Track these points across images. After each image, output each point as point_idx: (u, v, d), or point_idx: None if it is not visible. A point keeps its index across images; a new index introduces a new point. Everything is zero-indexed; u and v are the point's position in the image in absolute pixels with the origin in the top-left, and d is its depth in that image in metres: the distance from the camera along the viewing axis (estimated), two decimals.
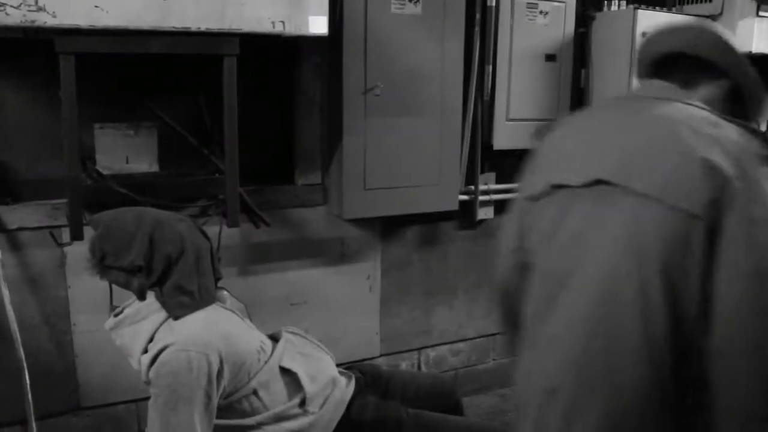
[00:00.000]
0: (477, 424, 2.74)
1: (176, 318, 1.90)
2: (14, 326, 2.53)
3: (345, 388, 2.14)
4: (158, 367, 1.81)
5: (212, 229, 2.89)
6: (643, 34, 3.28)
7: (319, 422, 2.02)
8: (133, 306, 1.94)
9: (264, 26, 2.37)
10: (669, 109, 1.31)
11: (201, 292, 1.96)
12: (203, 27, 2.28)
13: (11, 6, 2.03)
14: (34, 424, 2.59)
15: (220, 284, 2.13)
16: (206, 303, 1.98)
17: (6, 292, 2.53)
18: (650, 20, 3.33)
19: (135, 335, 1.89)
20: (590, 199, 1.31)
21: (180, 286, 1.91)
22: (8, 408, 2.68)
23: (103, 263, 1.90)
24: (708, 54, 1.37)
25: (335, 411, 2.07)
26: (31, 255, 2.67)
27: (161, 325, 1.89)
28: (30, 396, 2.56)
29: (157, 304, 1.91)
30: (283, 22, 2.39)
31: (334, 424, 2.05)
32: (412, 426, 2.07)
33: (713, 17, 3.48)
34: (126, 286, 1.92)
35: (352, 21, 2.84)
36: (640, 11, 3.30)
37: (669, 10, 3.53)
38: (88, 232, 2.14)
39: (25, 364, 2.55)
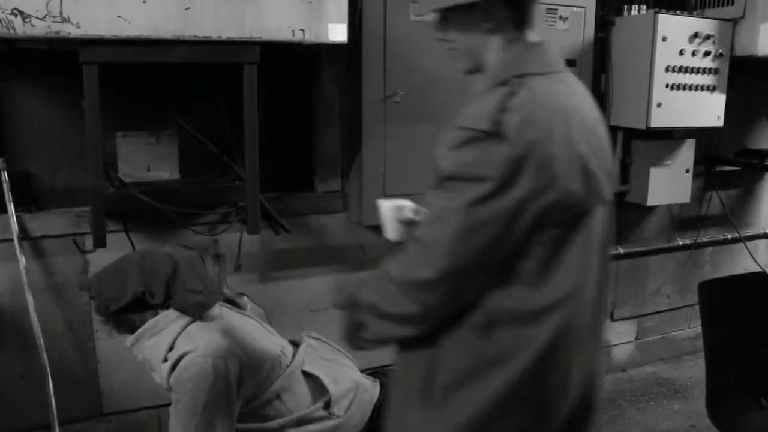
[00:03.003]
0: None
1: (200, 317, 1.92)
2: (38, 333, 2.56)
3: (371, 390, 2.14)
4: (178, 373, 1.83)
5: (233, 236, 2.92)
6: (664, 38, 3.28)
7: (344, 426, 2.02)
8: (150, 320, 1.96)
9: (284, 34, 2.38)
10: None
11: (208, 288, 2.00)
12: (224, 36, 2.30)
13: (36, 17, 2.06)
14: (57, 430, 2.62)
15: (240, 291, 2.15)
16: (217, 296, 2.04)
17: (30, 299, 2.56)
18: (671, 24, 3.31)
19: (155, 346, 1.91)
20: None
21: (189, 290, 1.94)
22: (33, 413, 2.71)
23: (109, 312, 1.92)
24: None
25: (362, 415, 2.07)
26: (54, 262, 2.70)
27: (180, 333, 1.90)
28: (54, 402, 2.59)
29: (174, 314, 1.93)
30: (302, 30, 2.40)
31: (359, 429, 2.05)
32: None
33: (736, 20, 3.45)
34: (143, 322, 1.94)
35: (371, 28, 2.84)
36: (660, 15, 3.27)
37: (690, 14, 3.50)
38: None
39: (48, 371, 2.58)
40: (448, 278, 1.29)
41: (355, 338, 1.46)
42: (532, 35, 1.51)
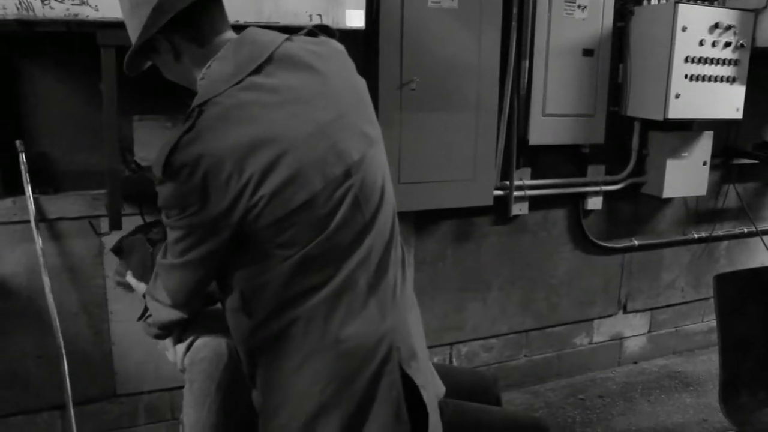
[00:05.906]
0: (517, 413, 2.70)
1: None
2: (54, 314, 2.59)
3: None
4: (193, 354, 1.83)
5: None
6: (684, 28, 3.24)
7: None
8: None
9: (301, 19, 2.38)
10: None
11: None
12: (241, 20, 2.29)
13: (55, 0, 2.07)
14: (72, 410, 2.65)
15: None
16: None
17: (47, 280, 2.58)
18: (691, 14, 3.27)
19: None
20: None
21: None
22: (47, 393, 2.75)
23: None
24: None
25: None
26: (70, 244, 2.72)
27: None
28: (68, 382, 2.62)
29: None
30: (320, 15, 2.40)
31: None
32: (452, 415, 2.05)
33: (758, 11, 3.41)
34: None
35: (388, 15, 2.83)
36: (681, 5, 3.23)
37: (711, 4, 3.46)
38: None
39: (63, 351, 2.61)
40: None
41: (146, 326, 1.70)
42: (223, 37, 1.50)
